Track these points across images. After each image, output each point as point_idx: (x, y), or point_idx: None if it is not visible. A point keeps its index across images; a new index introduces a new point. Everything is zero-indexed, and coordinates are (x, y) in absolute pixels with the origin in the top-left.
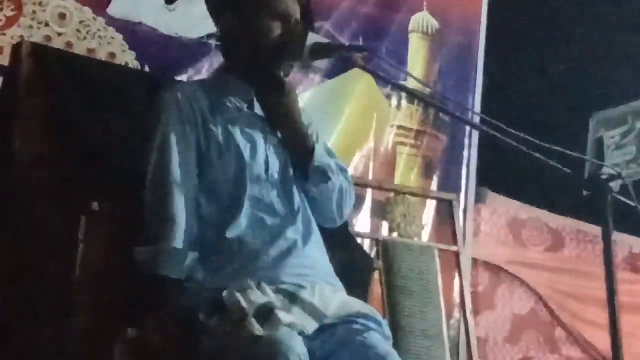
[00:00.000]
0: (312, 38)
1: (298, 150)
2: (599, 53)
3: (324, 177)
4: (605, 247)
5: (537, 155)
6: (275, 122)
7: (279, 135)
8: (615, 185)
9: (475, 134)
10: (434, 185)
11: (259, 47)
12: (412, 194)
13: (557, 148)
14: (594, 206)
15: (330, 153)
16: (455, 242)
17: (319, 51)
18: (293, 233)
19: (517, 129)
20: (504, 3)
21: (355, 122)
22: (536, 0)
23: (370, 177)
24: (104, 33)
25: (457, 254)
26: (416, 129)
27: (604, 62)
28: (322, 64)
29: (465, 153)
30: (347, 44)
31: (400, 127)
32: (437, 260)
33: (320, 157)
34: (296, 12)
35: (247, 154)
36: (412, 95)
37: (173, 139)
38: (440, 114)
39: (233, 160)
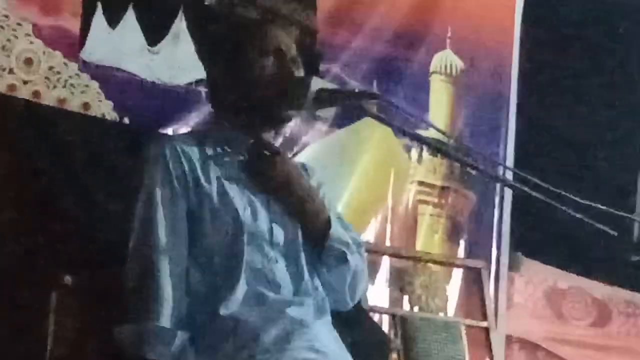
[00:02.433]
0: (317, 83)
1: (308, 227)
2: None
3: (339, 261)
4: None
5: (578, 215)
6: (276, 201)
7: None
8: None
9: (508, 192)
10: (461, 251)
11: (250, 89)
12: (435, 262)
13: (601, 207)
14: None
15: (341, 222)
16: (484, 317)
17: (325, 98)
18: (298, 311)
19: (554, 185)
20: (539, 39)
21: (369, 177)
22: (577, 35)
23: (388, 241)
24: (76, 80)
25: (487, 330)
26: (440, 184)
27: None
28: (330, 112)
29: (496, 213)
30: (358, 89)
31: (421, 183)
32: (464, 338)
33: (336, 237)
34: (290, 48)
35: (246, 217)
36: (434, 148)
37: (158, 201)
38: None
39: (229, 225)
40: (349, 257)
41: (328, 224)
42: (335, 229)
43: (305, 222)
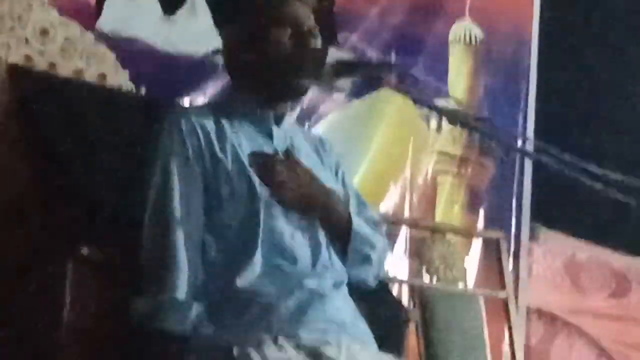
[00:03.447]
0: (334, 54)
1: (330, 231)
2: None
3: (364, 261)
4: None
5: (598, 185)
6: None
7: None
8: None
9: (528, 162)
10: (480, 221)
11: (266, 60)
12: (453, 232)
13: (620, 176)
14: None
15: (359, 201)
16: (503, 288)
17: (342, 69)
18: (316, 282)
19: (575, 155)
20: (559, 6)
21: (388, 148)
22: (596, 6)
23: (406, 212)
24: (93, 51)
25: (505, 302)
26: (459, 155)
27: None
28: (347, 83)
29: (516, 183)
30: (375, 60)
31: (441, 153)
32: (483, 309)
33: (359, 237)
34: (308, 18)
35: (262, 189)
36: (453, 118)
37: (175, 172)
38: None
39: (245, 197)
40: (373, 257)
41: (349, 224)
42: (358, 228)
43: (326, 227)
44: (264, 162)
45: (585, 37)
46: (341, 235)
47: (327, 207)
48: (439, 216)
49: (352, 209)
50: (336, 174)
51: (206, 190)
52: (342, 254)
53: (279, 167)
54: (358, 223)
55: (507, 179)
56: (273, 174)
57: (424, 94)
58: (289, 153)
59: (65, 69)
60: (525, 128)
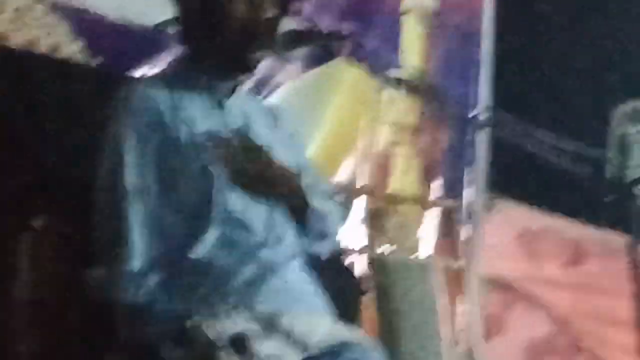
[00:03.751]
0: (288, 24)
1: (286, 207)
2: (625, 36)
3: (321, 238)
4: (631, 260)
5: (552, 154)
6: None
7: None
8: None
9: (483, 131)
10: (436, 191)
11: (220, 31)
12: (408, 202)
13: (574, 147)
14: (618, 212)
15: (313, 173)
16: (458, 257)
17: (295, 39)
18: (270, 254)
19: (529, 125)
20: None
21: (342, 118)
22: None
23: (361, 182)
24: (45, 21)
25: (460, 271)
26: (414, 125)
27: (631, 46)
28: (301, 52)
29: (470, 153)
30: (328, 30)
31: (395, 124)
32: (438, 278)
33: (316, 215)
34: None
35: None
36: (407, 88)
37: (128, 142)
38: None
39: (199, 170)
40: (330, 233)
41: (306, 202)
42: (315, 206)
43: (283, 205)
44: (218, 146)
45: (539, 3)
46: (298, 212)
47: (283, 187)
48: (394, 187)
49: (306, 180)
50: (289, 144)
51: (159, 162)
52: (300, 230)
53: (234, 152)
54: (315, 200)
55: (462, 149)
56: (228, 160)
57: (377, 63)
58: (242, 133)
59: (17, 39)
60: (480, 97)
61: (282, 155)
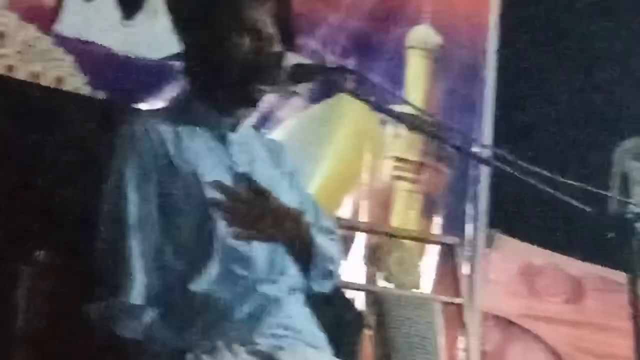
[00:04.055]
0: (292, 59)
1: (292, 251)
2: (625, 74)
3: (325, 277)
4: (632, 298)
5: (554, 192)
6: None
7: None
8: None
9: (484, 168)
10: (437, 227)
11: (225, 66)
12: (409, 238)
13: (576, 184)
14: (619, 250)
15: (315, 209)
16: (458, 294)
17: (300, 74)
18: (270, 288)
19: (531, 161)
20: (517, 14)
21: (345, 153)
22: (555, 12)
23: (363, 217)
24: (50, 54)
25: (460, 307)
26: (416, 160)
27: (631, 84)
28: (305, 87)
29: (472, 189)
30: (333, 65)
31: (397, 159)
32: (439, 315)
33: (320, 254)
34: (268, 25)
35: (214, 196)
36: (410, 125)
37: (129, 178)
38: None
39: (200, 205)
40: (334, 271)
41: (311, 242)
42: (319, 245)
43: (287, 245)
44: (224, 195)
45: (543, 43)
46: (303, 252)
47: (289, 230)
48: (395, 222)
49: (308, 216)
50: (292, 180)
51: (161, 196)
52: (304, 270)
53: (239, 204)
54: (319, 239)
55: (463, 185)
56: (233, 213)
57: (380, 99)
58: (247, 178)
59: (22, 72)
60: (482, 134)
61: (285, 194)
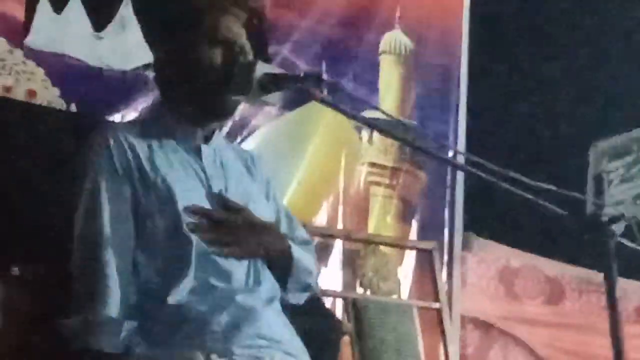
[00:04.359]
0: (262, 68)
1: (270, 265)
2: (597, 75)
3: (304, 289)
4: (609, 298)
5: (529, 196)
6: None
7: None
8: (618, 227)
9: (459, 171)
10: (414, 232)
11: (197, 77)
12: (386, 244)
13: (551, 187)
14: (595, 251)
15: (290, 219)
16: (437, 298)
17: (270, 83)
18: (248, 299)
19: (505, 163)
20: (488, 18)
21: (320, 159)
22: (525, 14)
23: (340, 223)
24: (22, 67)
25: (439, 311)
26: (391, 165)
27: (604, 85)
28: (276, 96)
29: (448, 193)
30: (303, 73)
31: (373, 165)
32: (417, 320)
33: (299, 268)
34: (240, 36)
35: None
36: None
37: (103, 189)
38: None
39: (174, 215)
40: (312, 284)
41: (289, 255)
42: (298, 259)
43: (265, 259)
44: (200, 219)
45: (514, 45)
46: (281, 265)
47: (268, 246)
48: (372, 227)
49: (283, 228)
50: (267, 191)
51: (136, 208)
52: (282, 283)
53: (217, 226)
54: (297, 253)
55: (439, 189)
56: (211, 234)
57: (353, 106)
58: (222, 197)
59: None
60: (456, 137)
61: (261, 205)
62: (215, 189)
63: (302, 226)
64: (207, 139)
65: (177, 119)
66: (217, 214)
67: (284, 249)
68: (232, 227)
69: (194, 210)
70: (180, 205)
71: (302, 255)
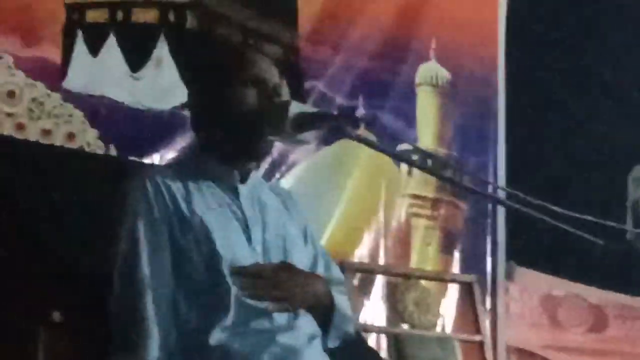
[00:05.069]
0: (296, 107)
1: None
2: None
3: (344, 336)
4: None
5: (568, 228)
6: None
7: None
8: None
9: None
10: (456, 262)
11: (231, 118)
12: (424, 278)
13: (590, 218)
14: (636, 278)
15: (326, 261)
16: (478, 331)
17: (304, 122)
18: (289, 337)
19: (546, 191)
20: (525, 45)
21: (360, 193)
22: (563, 40)
23: (382, 256)
24: (60, 110)
25: (481, 344)
26: (432, 196)
27: None
28: (311, 135)
29: (490, 222)
30: (337, 111)
31: (413, 196)
32: (459, 353)
33: (339, 316)
34: (273, 76)
35: (227, 250)
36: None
37: (141, 235)
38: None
39: (211, 257)
40: (351, 331)
41: (331, 303)
42: (339, 307)
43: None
44: (246, 277)
45: (551, 74)
46: (323, 315)
47: (313, 299)
48: (414, 259)
49: (320, 269)
50: (305, 232)
51: (174, 251)
52: (323, 330)
53: (263, 283)
54: (338, 300)
55: (480, 219)
56: (258, 292)
57: (388, 142)
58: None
59: (32, 130)
60: (495, 167)
61: (298, 247)
62: (253, 229)
63: (337, 268)
64: (243, 179)
65: (213, 159)
66: (265, 273)
67: (328, 301)
68: (279, 283)
69: (239, 271)
70: (219, 247)
71: (342, 302)
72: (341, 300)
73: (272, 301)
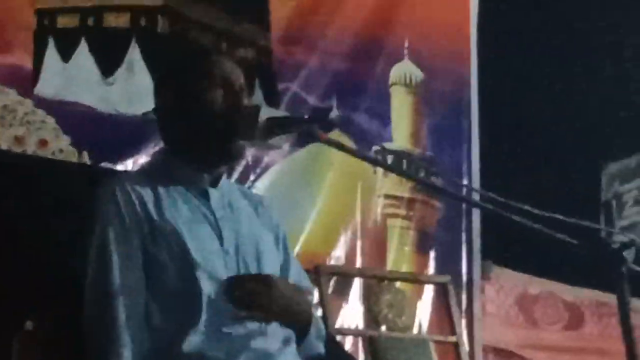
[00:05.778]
0: (267, 112)
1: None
2: (610, 95)
3: (317, 350)
4: (623, 325)
5: (542, 228)
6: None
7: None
8: (629, 253)
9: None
10: (431, 262)
11: (200, 121)
12: (398, 279)
13: (561, 217)
14: (610, 275)
15: (297, 269)
16: (453, 332)
17: (275, 127)
18: (263, 342)
19: (520, 189)
20: (497, 43)
21: (336, 194)
22: (534, 38)
23: (358, 257)
24: (32, 117)
25: (456, 345)
26: (407, 196)
27: (616, 105)
28: (282, 139)
29: (465, 221)
30: (308, 115)
31: (388, 196)
32: (434, 355)
33: (315, 331)
34: (239, 77)
35: (199, 255)
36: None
37: (112, 243)
38: (434, 177)
39: (184, 263)
40: (321, 349)
41: (309, 324)
42: (315, 323)
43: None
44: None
45: (524, 71)
46: (299, 327)
47: (295, 312)
48: (391, 259)
49: (292, 275)
50: (276, 236)
51: (146, 258)
52: (300, 337)
53: (246, 295)
54: (315, 318)
55: (456, 219)
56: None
57: (362, 142)
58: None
59: (4, 137)
60: (470, 165)
61: (270, 252)
62: (225, 232)
63: (307, 278)
64: (214, 183)
65: (183, 164)
66: (247, 285)
67: (309, 312)
68: (262, 297)
69: (223, 284)
70: (191, 251)
71: (318, 320)
72: (317, 320)
73: (249, 309)
